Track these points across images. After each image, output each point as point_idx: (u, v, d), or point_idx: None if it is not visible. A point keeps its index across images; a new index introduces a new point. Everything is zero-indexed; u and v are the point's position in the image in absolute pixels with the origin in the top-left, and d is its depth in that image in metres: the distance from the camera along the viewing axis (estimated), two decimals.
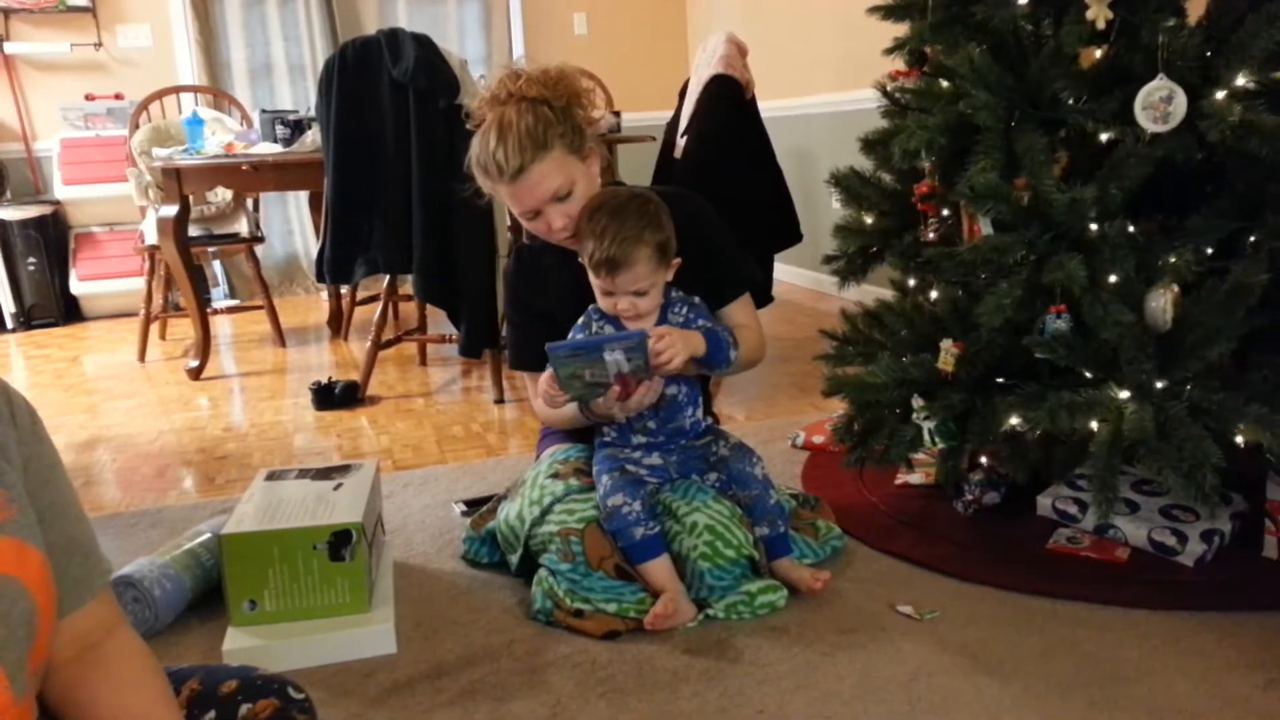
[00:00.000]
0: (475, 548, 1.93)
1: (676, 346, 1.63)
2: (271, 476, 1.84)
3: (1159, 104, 1.66)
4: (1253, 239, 1.67)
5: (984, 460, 1.97)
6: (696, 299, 1.80)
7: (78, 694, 0.93)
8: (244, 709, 1.03)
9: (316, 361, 3.93)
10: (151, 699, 0.95)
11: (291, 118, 3.69)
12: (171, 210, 3.48)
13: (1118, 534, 1.80)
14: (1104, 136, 1.74)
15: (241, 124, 4.35)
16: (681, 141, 3.33)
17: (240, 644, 1.56)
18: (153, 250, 3.96)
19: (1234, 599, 1.61)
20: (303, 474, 1.85)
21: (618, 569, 1.65)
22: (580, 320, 1.78)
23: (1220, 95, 1.64)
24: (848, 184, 2.18)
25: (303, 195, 5.36)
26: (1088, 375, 1.70)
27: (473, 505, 2.15)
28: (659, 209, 1.70)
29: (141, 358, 4.04)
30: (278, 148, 3.56)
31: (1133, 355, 1.64)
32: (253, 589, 1.60)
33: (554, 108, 1.72)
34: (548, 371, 1.66)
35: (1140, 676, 1.42)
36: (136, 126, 4.21)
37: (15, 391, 0.94)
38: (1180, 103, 1.64)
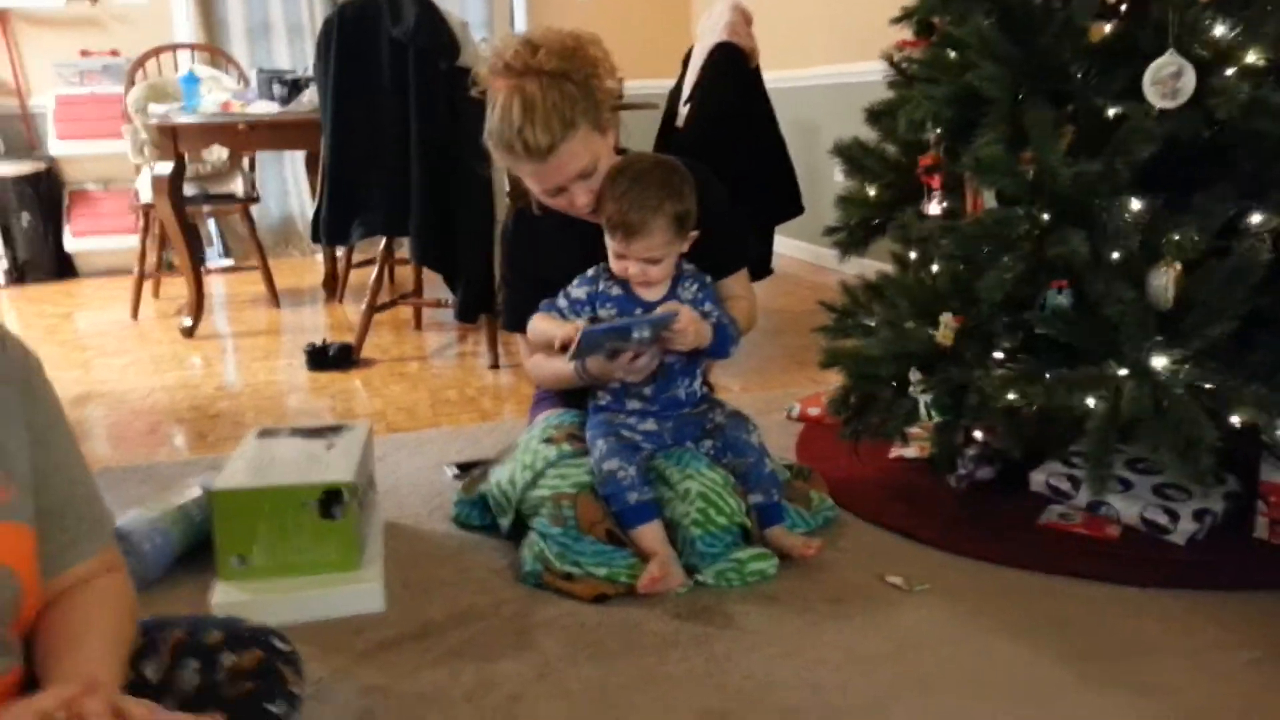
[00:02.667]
0: (466, 511, 1.92)
1: (689, 335, 1.66)
2: (264, 434, 1.83)
3: (1168, 80, 1.64)
4: (1257, 218, 1.66)
5: (979, 435, 1.97)
6: (707, 278, 1.81)
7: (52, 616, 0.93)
8: (228, 660, 1.03)
9: (311, 323, 3.91)
10: (100, 627, 0.93)
11: (289, 77, 3.66)
12: (167, 168, 3.45)
13: (1110, 511, 1.80)
14: (1111, 112, 1.71)
15: (238, 83, 4.31)
16: (684, 110, 3.30)
17: (228, 598, 1.55)
18: (147, 208, 3.93)
19: (1224, 578, 1.61)
20: (295, 433, 1.84)
21: (609, 534, 1.65)
22: (590, 273, 1.76)
23: (1230, 72, 1.62)
24: (851, 155, 2.16)
25: (299, 156, 5.31)
26: (1087, 352, 1.69)
27: (465, 469, 2.15)
28: (684, 180, 1.69)
29: (135, 315, 4.01)
30: (275, 107, 3.52)
31: (1133, 333, 1.63)
32: (242, 545, 1.59)
33: (575, 82, 1.68)
34: (569, 326, 1.66)
35: (1128, 653, 1.43)
36: (132, 83, 4.16)
37: (15, 341, 0.93)
38: (1189, 79, 1.62)
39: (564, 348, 1.64)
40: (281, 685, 1.05)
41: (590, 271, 1.77)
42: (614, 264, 1.72)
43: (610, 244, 1.70)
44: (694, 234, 1.72)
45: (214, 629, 1.07)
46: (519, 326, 1.89)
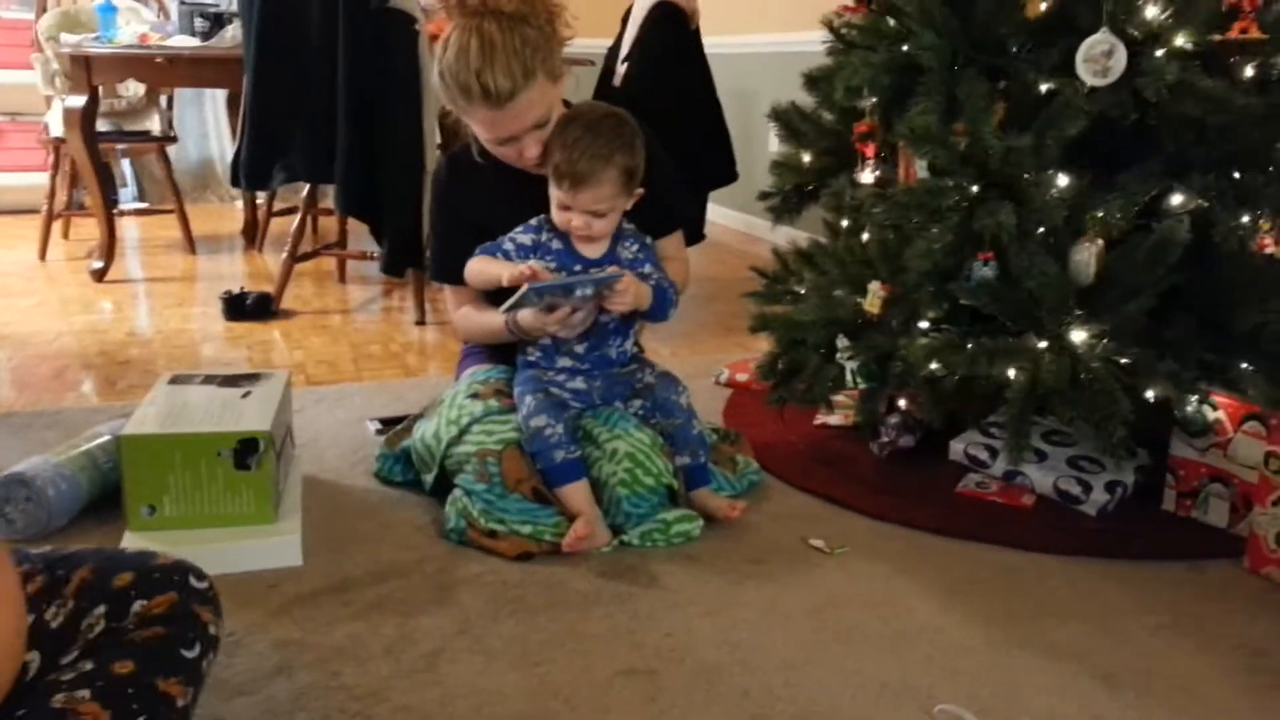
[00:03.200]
0: (389, 465, 1.89)
1: (628, 297, 1.63)
2: (176, 380, 1.77)
3: (1100, 58, 1.66)
4: (1178, 199, 1.70)
5: (902, 404, 2.00)
6: (648, 239, 1.79)
7: None
8: (137, 605, 0.98)
9: (228, 271, 3.79)
10: None
11: (211, 11, 3.51)
12: (79, 101, 3.29)
13: (1025, 480, 1.84)
14: (1044, 87, 1.73)
15: (158, 15, 4.13)
16: (621, 69, 3.26)
17: (137, 549, 1.50)
18: (58, 143, 3.76)
19: (1132, 548, 1.67)
20: (209, 380, 1.78)
21: (534, 492, 1.63)
22: (534, 222, 1.73)
23: (1159, 54, 1.65)
24: (788, 119, 2.16)
25: (220, 97, 5.11)
26: (1009, 324, 1.72)
27: (387, 424, 2.10)
28: (635, 134, 1.66)
29: (42, 256, 3.84)
30: (195, 41, 3.39)
31: (1054, 306, 1.67)
32: (152, 494, 1.54)
33: (534, 27, 1.62)
34: (520, 266, 1.63)
35: (1039, 616, 1.47)
36: (44, 10, 3.96)
37: None
38: (1120, 58, 1.65)
39: (512, 288, 1.61)
40: (198, 627, 1.00)
41: (534, 221, 1.73)
42: (557, 215, 1.69)
43: (555, 194, 1.66)
44: (639, 191, 1.70)
45: (123, 568, 1.01)
46: (447, 277, 1.84)
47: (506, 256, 1.71)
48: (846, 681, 1.30)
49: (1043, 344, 1.67)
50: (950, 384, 1.78)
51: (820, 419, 2.18)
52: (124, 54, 3.28)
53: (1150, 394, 1.63)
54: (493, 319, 1.74)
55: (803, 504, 1.83)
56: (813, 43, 2.20)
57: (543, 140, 1.67)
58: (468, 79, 1.59)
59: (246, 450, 1.55)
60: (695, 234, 3.21)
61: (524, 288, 1.58)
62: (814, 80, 2.11)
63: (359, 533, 1.67)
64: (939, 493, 1.85)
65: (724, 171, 3.35)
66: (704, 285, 3.67)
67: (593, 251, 1.72)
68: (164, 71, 3.32)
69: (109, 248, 3.49)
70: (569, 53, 1.74)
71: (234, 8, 3.38)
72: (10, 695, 0.86)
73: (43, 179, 4.06)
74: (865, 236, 1.97)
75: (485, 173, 1.79)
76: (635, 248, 1.76)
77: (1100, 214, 1.68)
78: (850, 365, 1.87)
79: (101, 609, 0.97)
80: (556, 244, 1.72)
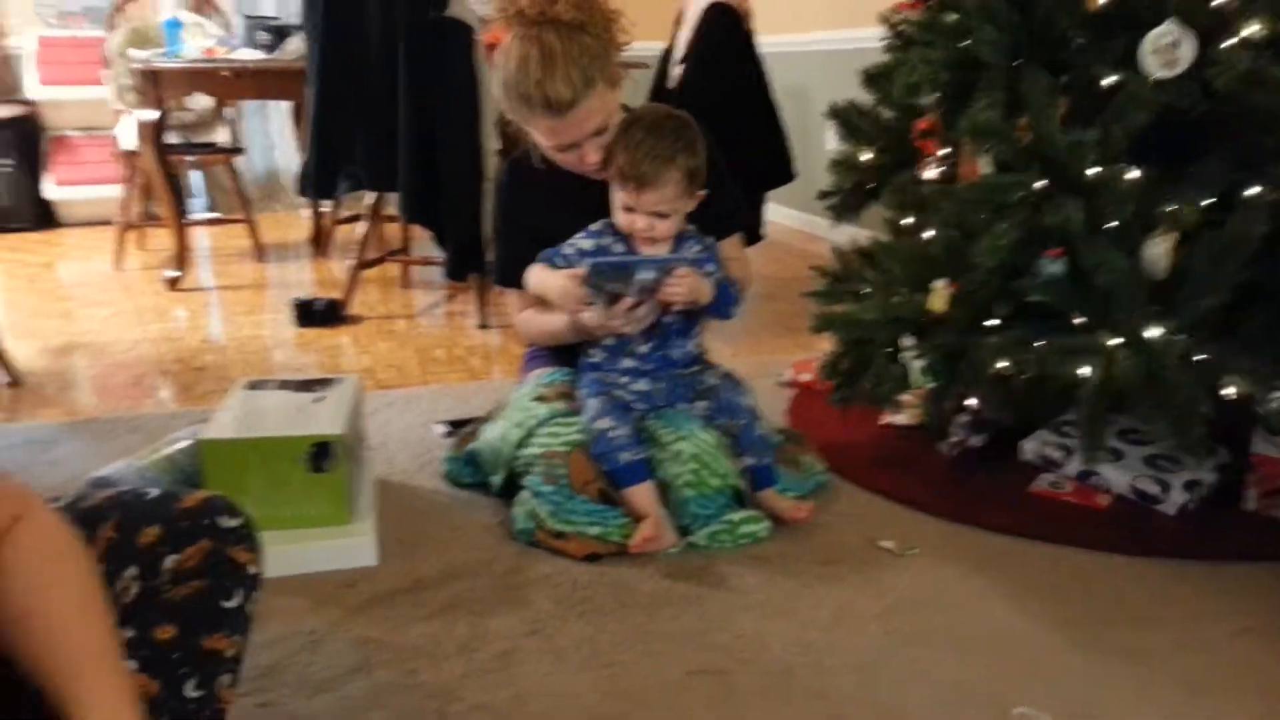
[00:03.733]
0: (457, 468, 1.91)
1: (684, 288, 1.64)
2: (252, 385, 1.82)
3: (1166, 49, 1.63)
4: (1253, 190, 1.66)
5: (971, 402, 1.97)
6: (711, 239, 1.80)
7: None
8: (169, 561, 0.91)
9: (296, 279, 3.87)
10: (63, 591, 0.81)
11: (274, 24, 3.59)
12: (149, 115, 3.39)
13: (1100, 480, 1.81)
14: (1109, 80, 1.71)
15: (223, 30, 4.23)
16: (676, 71, 3.27)
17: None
18: (130, 156, 3.87)
19: (1212, 549, 1.63)
20: (284, 385, 1.82)
21: (601, 493, 1.65)
22: (595, 227, 1.74)
23: (1230, 43, 1.61)
24: (846, 118, 2.15)
25: (284, 109, 5.22)
26: (1080, 320, 1.69)
27: (455, 426, 2.14)
28: (697, 136, 1.68)
29: (118, 266, 3.96)
30: (259, 54, 3.46)
31: (1127, 302, 1.64)
32: (232, 496, 1.57)
33: (592, 35, 1.64)
34: (571, 271, 1.65)
35: (1115, 620, 1.44)
36: (114, 28, 4.08)
37: None
38: (1188, 49, 1.62)
39: (563, 299, 1.64)
40: (235, 572, 0.95)
41: (595, 226, 1.75)
42: (620, 217, 1.70)
43: (619, 196, 1.68)
44: (701, 193, 1.71)
45: (148, 521, 0.93)
46: (510, 281, 1.87)
47: (567, 261, 1.73)
48: (921, 684, 1.29)
49: (1116, 341, 1.64)
50: (1020, 382, 1.75)
51: (886, 418, 2.16)
52: (191, 68, 3.38)
53: (1229, 391, 1.59)
54: (555, 320, 1.76)
55: (870, 505, 1.82)
56: (866, 39, 2.18)
57: (604, 146, 1.69)
58: (529, 89, 1.61)
59: (321, 453, 1.58)
60: (754, 234, 3.23)
61: (584, 267, 1.59)
62: (872, 78, 2.10)
63: (430, 533, 1.70)
64: (1011, 493, 1.83)
65: (781, 171, 3.35)
66: (764, 284, 3.66)
67: (655, 253, 1.73)
68: (230, 84, 3.41)
69: (182, 257, 3.58)
70: (624, 56, 1.75)
71: (297, 21, 3.44)
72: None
73: (116, 191, 4.19)
74: (929, 234, 1.95)
75: (545, 178, 1.81)
76: (698, 248, 1.77)
77: (1172, 207, 1.65)
78: (916, 364, 1.85)
79: (133, 570, 0.91)
80: (619, 247, 1.73)
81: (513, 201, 1.87)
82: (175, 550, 0.92)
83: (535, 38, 1.62)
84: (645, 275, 1.61)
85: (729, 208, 1.89)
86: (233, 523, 0.97)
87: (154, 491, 0.99)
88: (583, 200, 1.75)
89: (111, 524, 0.92)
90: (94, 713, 0.78)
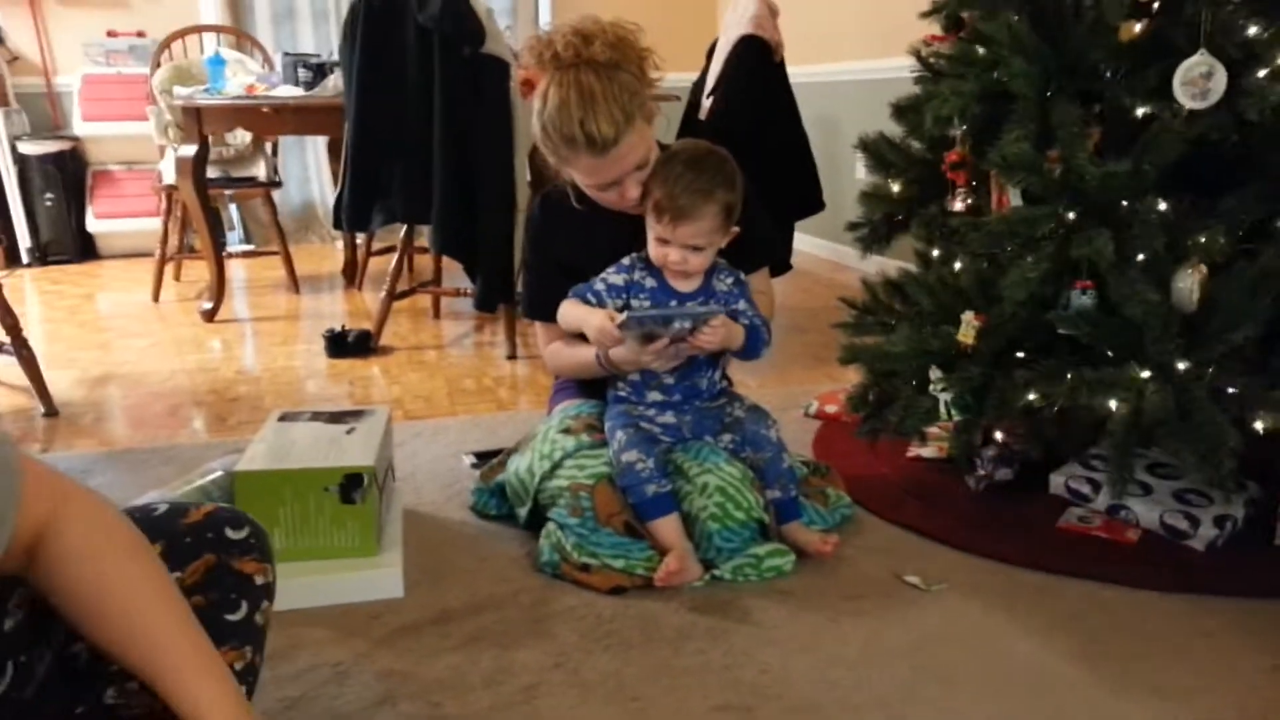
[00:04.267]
0: (484, 499, 1.93)
1: (718, 337, 1.65)
2: (284, 418, 1.84)
3: (1198, 80, 1.63)
4: None
5: (998, 435, 1.96)
6: (741, 274, 1.81)
7: (54, 584, 0.82)
8: (172, 577, 0.90)
9: (330, 310, 3.93)
10: (131, 576, 0.83)
11: (314, 61, 3.66)
12: (191, 150, 3.46)
13: (1129, 515, 1.79)
14: (1140, 111, 1.70)
15: (263, 66, 4.32)
16: (707, 103, 3.29)
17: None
18: (170, 190, 3.95)
19: (1243, 584, 1.61)
20: (316, 416, 1.84)
21: (626, 526, 1.65)
22: (625, 261, 1.76)
23: (1262, 74, 1.60)
24: (876, 150, 2.16)
25: (321, 143, 5.33)
26: (1109, 353, 1.68)
27: (482, 457, 2.15)
28: (735, 172, 1.69)
29: (156, 298, 4.04)
30: (299, 91, 3.53)
31: (1157, 335, 1.62)
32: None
33: (629, 73, 1.66)
34: (609, 312, 1.67)
35: (1145, 655, 1.42)
36: (158, 65, 4.19)
37: None
38: (1220, 79, 1.61)
39: (599, 337, 1.65)
40: (242, 584, 0.95)
41: (625, 260, 1.76)
42: (654, 250, 1.71)
43: (654, 229, 1.69)
44: (735, 230, 1.72)
45: (153, 538, 0.91)
46: (538, 314, 1.89)
47: (598, 297, 1.75)
48: None
49: (1145, 374, 1.62)
50: (1049, 415, 1.74)
51: (913, 451, 2.16)
52: (232, 105, 3.45)
53: (1259, 425, 1.57)
54: (583, 353, 1.77)
55: (897, 538, 1.81)
56: (893, 69, 2.19)
57: (643, 181, 1.70)
58: (572, 129, 1.63)
59: (352, 485, 1.60)
60: (783, 264, 3.23)
61: (623, 315, 1.60)
62: (902, 110, 2.11)
63: (456, 565, 1.71)
64: (1039, 527, 1.81)
65: (811, 201, 3.35)
66: (792, 315, 3.67)
67: (687, 286, 1.74)
68: (270, 120, 3.47)
69: (218, 289, 3.65)
70: (657, 90, 1.77)
71: (335, 58, 3.51)
72: (63, 690, 0.85)
73: (156, 224, 4.28)
74: (958, 266, 1.95)
75: (578, 213, 1.83)
76: (730, 281, 1.78)
77: (1203, 239, 1.64)
78: (944, 397, 1.85)
79: None
80: (650, 281, 1.74)
81: (543, 235, 1.89)
82: (179, 567, 0.92)
83: (574, 80, 1.63)
84: (682, 325, 1.63)
85: (762, 241, 1.90)
86: (239, 534, 0.97)
87: (161, 508, 0.99)
88: (616, 236, 1.77)
89: None
90: (211, 713, 0.79)
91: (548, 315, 1.83)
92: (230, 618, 0.93)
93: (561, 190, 1.85)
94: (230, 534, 0.96)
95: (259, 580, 0.97)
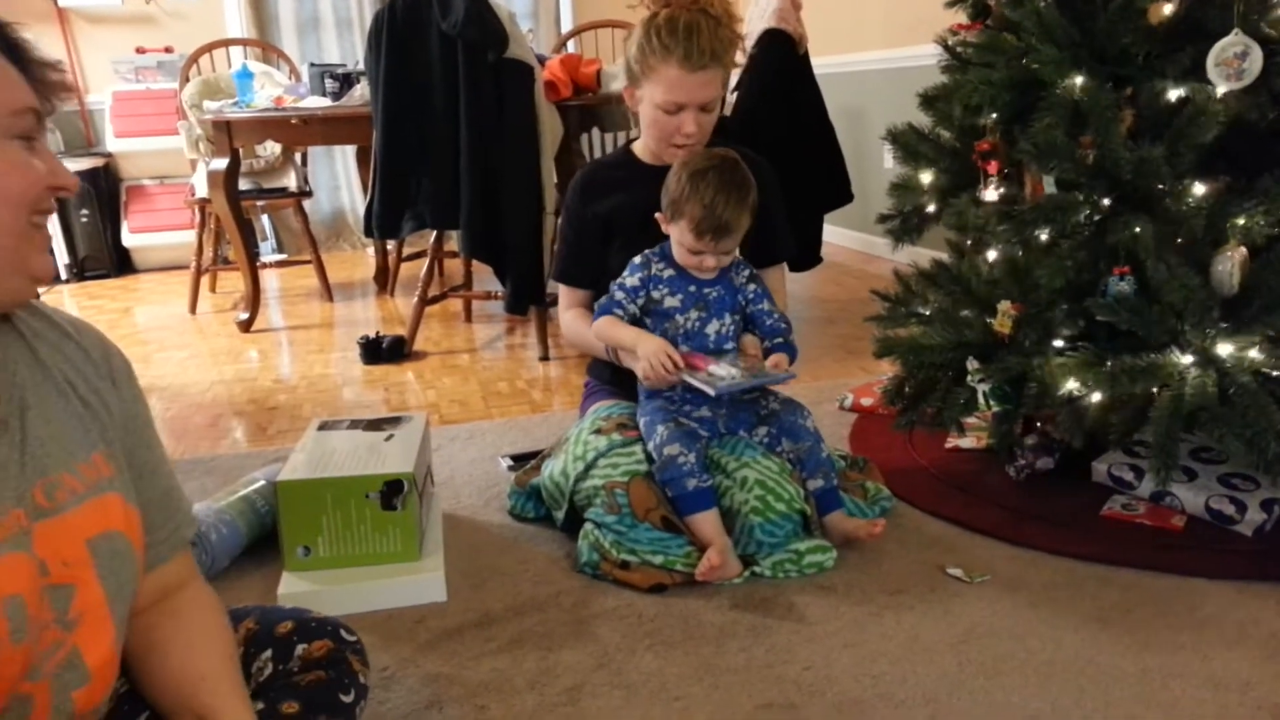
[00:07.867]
0: (521, 503, 1.94)
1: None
2: (324, 426, 1.86)
3: (1233, 60, 1.61)
4: None
5: (1039, 425, 1.94)
6: (753, 269, 1.85)
7: (149, 639, 0.95)
8: (300, 649, 1.05)
9: (363, 316, 3.96)
10: (218, 654, 0.97)
11: (340, 71, 3.69)
12: (222, 163, 3.50)
13: (1174, 501, 1.77)
14: (1174, 94, 1.68)
15: (290, 78, 4.36)
16: (732, 97, 3.28)
17: (295, 589, 1.58)
18: (203, 203, 4.00)
19: None
20: (354, 425, 1.86)
21: (664, 520, 1.66)
22: (638, 260, 1.81)
23: None
24: (905, 141, 2.14)
25: (350, 151, 5.37)
26: (1149, 339, 1.66)
27: (519, 460, 2.16)
28: (748, 172, 1.76)
29: (192, 310, 4.09)
30: (326, 101, 3.56)
31: (1197, 319, 1.61)
32: (307, 536, 1.62)
33: (727, 30, 1.80)
34: (663, 343, 1.72)
35: (1194, 645, 1.40)
36: (187, 80, 4.24)
37: (115, 347, 0.96)
38: (1256, 59, 1.59)
39: (652, 374, 1.71)
40: (352, 674, 1.07)
41: (637, 259, 1.81)
42: (687, 258, 1.76)
43: (692, 244, 1.73)
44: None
45: (283, 619, 1.09)
46: (567, 278, 1.98)
47: (619, 306, 1.79)
48: (995, 715, 1.27)
49: (1187, 359, 1.61)
50: (1089, 403, 1.73)
51: (952, 442, 2.14)
52: (262, 117, 3.48)
53: None
54: (595, 339, 1.85)
55: (938, 531, 1.80)
56: (917, 56, 2.18)
57: (700, 124, 1.80)
58: (671, 41, 1.75)
59: (392, 491, 1.62)
60: (812, 258, 3.22)
61: (710, 390, 1.63)
62: (930, 100, 2.09)
63: (497, 568, 1.72)
64: (1082, 516, 1.79)
65: (838, 193, 3.33)
66: (823, 307, 3.65)
67: (706, 275, 1.77)
68: (299, 131, 3.51)
69: (254, 299, 3.69)
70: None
71: (361, 68, 3.54)
72: None
73: (190, 237, 4.33)
74: (992, 255, 1.94)
75: (618, 176, 1.93)
76: (746, 274, 1.83)
77: (1241, 221, 1.61)
78: (982, 388, 1.83)
79: (268, 653, 1.05)
80: (669, 272, 1.78)
81: (582, 196, 1.96)
82: (305, 640, 1.06)
83: (689, 11, 1.77)
84: (732, 392, 1.69)
85: (780, 235, 1.95)
86: (350, 638, 1.11)
87: (286, 607, 1.14)
88: (649, 189, 1.81)
89: (253, 619, 1.08)
90: None
91: (574, 280, 1.96)
92: (343, 698, 1.04)
93: (599, 161, 1.99)
94: (344, 635, 1.10)
95: (362, 679, 1.09)
